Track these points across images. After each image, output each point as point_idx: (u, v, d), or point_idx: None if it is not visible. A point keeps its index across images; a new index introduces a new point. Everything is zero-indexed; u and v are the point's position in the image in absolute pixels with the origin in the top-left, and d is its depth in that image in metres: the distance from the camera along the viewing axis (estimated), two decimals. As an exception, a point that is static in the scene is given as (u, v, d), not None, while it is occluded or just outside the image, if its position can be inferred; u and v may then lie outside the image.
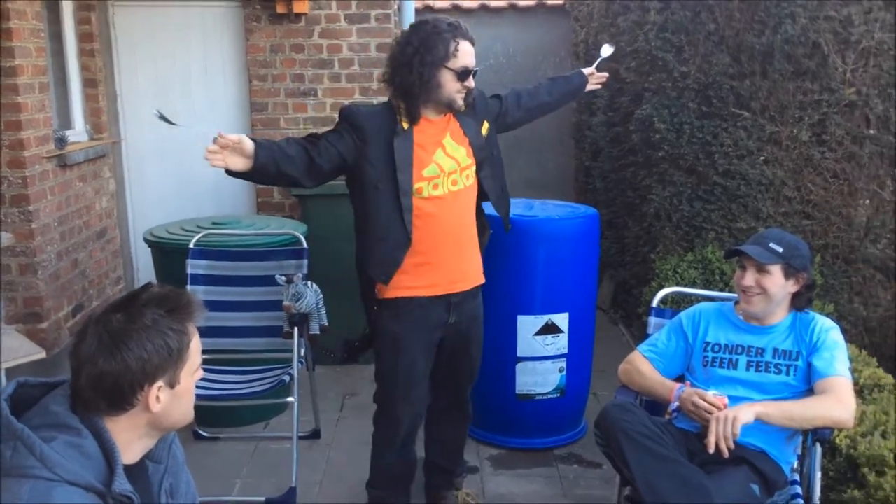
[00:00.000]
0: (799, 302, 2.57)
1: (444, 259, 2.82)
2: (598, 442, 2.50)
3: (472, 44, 2.72)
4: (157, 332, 1.51)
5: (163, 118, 2.54)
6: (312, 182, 2.73)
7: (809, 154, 4.12)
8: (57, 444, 1.43)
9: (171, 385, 1.55)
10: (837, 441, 2.77)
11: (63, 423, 1.47)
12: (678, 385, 2.57)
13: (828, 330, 2.52)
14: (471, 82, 2.72)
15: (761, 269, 2.50)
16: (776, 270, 2.50)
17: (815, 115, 4.07)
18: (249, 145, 2.54)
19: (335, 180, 4.57)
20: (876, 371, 3.32)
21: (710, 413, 2.37)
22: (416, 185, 2.73)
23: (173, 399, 1.57)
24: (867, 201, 4.16)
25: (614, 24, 5.19)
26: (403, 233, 2.73)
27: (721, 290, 4.08)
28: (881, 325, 4.23)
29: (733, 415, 2.28)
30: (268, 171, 2.60)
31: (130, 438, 1.56)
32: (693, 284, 4.09)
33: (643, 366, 2.69)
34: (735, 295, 2.70)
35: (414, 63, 2.63)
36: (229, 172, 2.58)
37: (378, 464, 3.07)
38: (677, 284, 4.15)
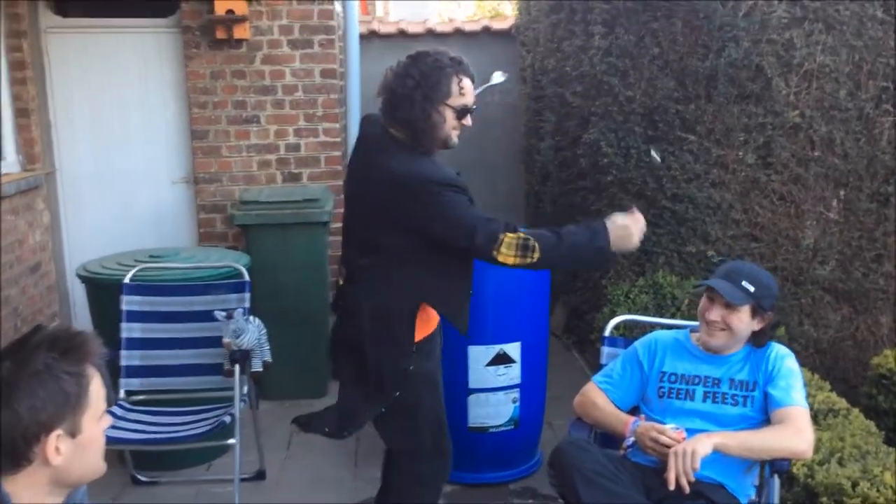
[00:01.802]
0: (759, 339, 2.51)
1: None
2: (552, 482, 2.41)
3: (473, 81, 2.62)
4: (50, 377, 1.38)
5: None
6: None
7: (756, 177, 4.12)
8: None
9: (73, 434, 1.42)
10: (794, 470, 2.72)
11: None
12: (633, 419, 2.49)
13: (783, 357, 2.47)
14: (468, 120, 2.61)
15: (729, 306, 2.44)
16: (745, 309, 2.44)
17: (760, 138, 4.07)
18: None
19: (279, 209, 4.50)
20: (829, 395, 3.29)
21: (669, 448, 2.30)
22: None
23: (77, 449, 1.43)
24: (814, 223, 4.17)
25: (560, 48, 5.18)
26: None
27: (672, 315, 4.05)
28: (831, 346, 4.24)
29: (692, 448, 2.21)
30: None
31: (32, 498, 1.41)
32: (645, 310, 4.05)
33: (598, 398, 2.62)
34: (689, 322, 2.64)
35: (416, 97, 2.50)
36: None
37: None
38: (629, 310, 4.10)
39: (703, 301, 2.51)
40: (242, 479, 3.34)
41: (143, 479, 3.71)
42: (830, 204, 4.16)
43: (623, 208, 4.27)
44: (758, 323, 2.49)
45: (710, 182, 4.15)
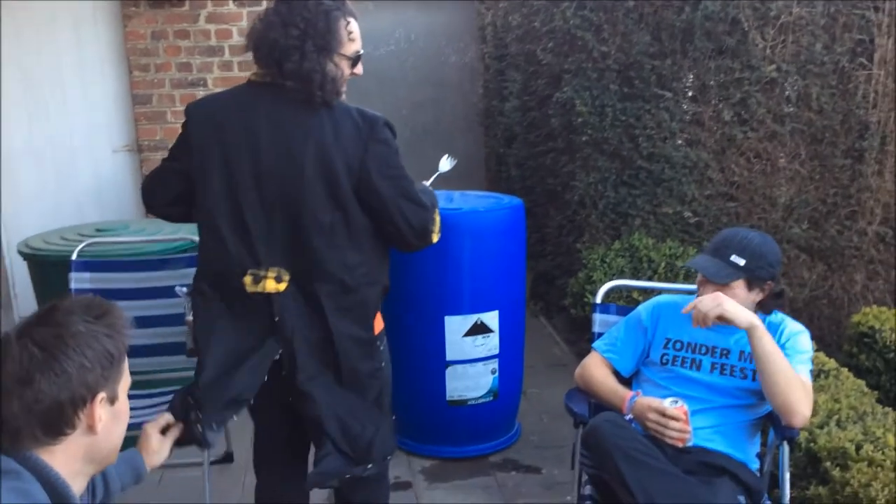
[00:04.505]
0: (765, 308, 2.36)
1: None
2: (585, 464, 2.24)
3: (356, 19, 2.21)
4: (92, 337, 1.34)
5: None
6: None
7: (732, 134, 4.02)
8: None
9: (112, 401, 1.38)
10: (795, 435, 2.63)
11: None
12: (630, 394, 2.35)
13: (797, 334, 2.32)
14: (360, 69, 2.20)
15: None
16: (737, 285, 2.28)
17: (736, 94, 3.96)
18: None
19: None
20: (818, 356, 3.22)
21: (669, 427, 2.17)
22: None
23: (112, 419, 1.38)
24: (789, 180, 4.09)
25: (526, 3, 4.97)
26: None
27: (650, 278, 3.94)
28: (807, 305, 4.19)
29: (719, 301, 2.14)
30: None
31: (68, 475, 1.32)
32: (621, 273, 3.93)
33: (597, 372, 2.46)
34: (689, 286, 2.50)
35: (306, 49, 2.03)
36: None
37: None
38: (605, 274, 3.98)
39: (699, 275, 2.37)
40: (210, 463, 3.12)
41: (100, 468, 3.47)
42: (805, 161, 4.09)
43: (598, 170, 4.16)
44: (758, 294, 2.32)
45: (686, 140, 4.03)
